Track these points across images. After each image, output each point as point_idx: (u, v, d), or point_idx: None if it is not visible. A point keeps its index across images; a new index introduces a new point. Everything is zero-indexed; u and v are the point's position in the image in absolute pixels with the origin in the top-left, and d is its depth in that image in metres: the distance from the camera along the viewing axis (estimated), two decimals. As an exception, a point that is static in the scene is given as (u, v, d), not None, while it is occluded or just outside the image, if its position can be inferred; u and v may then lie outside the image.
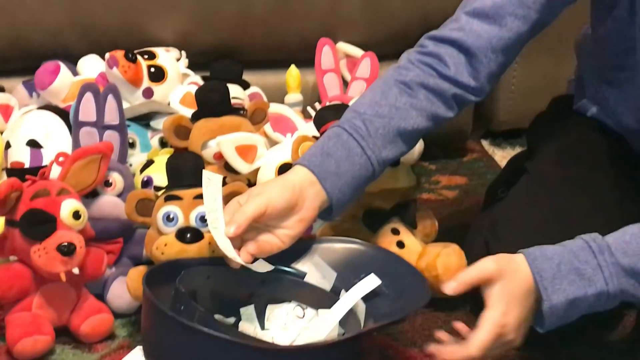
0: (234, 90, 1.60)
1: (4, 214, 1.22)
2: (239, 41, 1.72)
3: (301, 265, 1.22)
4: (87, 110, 1.40)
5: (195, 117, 1.47)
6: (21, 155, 1.45)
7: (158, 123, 1.57)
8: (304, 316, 1.22)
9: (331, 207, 1.20)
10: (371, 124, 1.22)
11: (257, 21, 1.71)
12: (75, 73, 1.61)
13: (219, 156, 1.43)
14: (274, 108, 1.52)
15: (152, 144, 1.57)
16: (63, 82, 1.55)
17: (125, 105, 1.50)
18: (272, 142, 1.50)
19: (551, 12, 1.25)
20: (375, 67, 1.69)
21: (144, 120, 1.59)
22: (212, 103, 1.47)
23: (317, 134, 1.40)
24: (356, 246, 1.25)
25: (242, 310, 1.23)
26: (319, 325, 1.18)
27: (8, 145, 1.47)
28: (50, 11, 1.63)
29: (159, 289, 1.10)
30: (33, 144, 1.46)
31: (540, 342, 1.15)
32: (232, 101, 1.51)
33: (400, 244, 1.35)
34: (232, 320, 1.22)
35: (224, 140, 1.41)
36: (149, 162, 1.47)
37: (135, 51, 1.58)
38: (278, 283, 1.21)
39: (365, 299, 1.16)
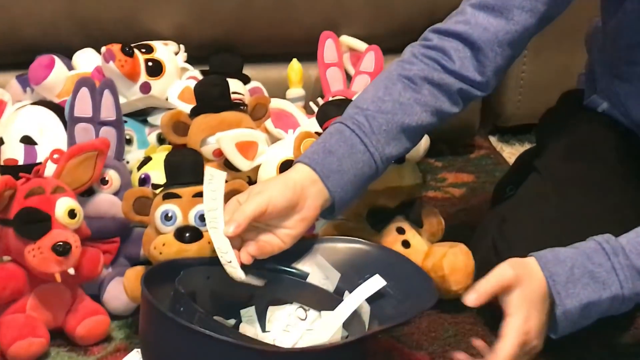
0: (234, 84, 1.59)
1: (-3, 213, 1.23)
2: (239, 34, 1.72)
3: (303, 266, 1.22)
4: (83, 105, 1.40)
5: (194, 113, 1.47)
6: (15, 152, 1.44)
7: (156, 119, 1.57)
8: (306, 318, 1.22)
9: (333, 205, 1.20)
10: (374, 120, 1.21)
11: (257, 13, 1.71)
12: (70, 67, 1.61)
13: (219, 153, 1.43)
14: (275, 103, 1.52)
15: (150, 141, 1.57)
16: (58, 76, 1.55)
17: (122, 100, 1.49)
18: (274, 139, 1.50)
19: (559, 5, 1.25)
20: (379, 60, 1.68)
21: (141, 116, 1.59)
22: (211, 98, 1.46)
23: (319, 130, 1.40)
24: (360, 246, 1.24)
25: (243, 311, 1.22)
26: (322, 328, 1.17)
27: (1, 142, 1.46)
28: (44, 3, 1.63)
29: (158, 289, 1.09)
30: (27, 141, 1.45)
31: (550, 344, 1.14)
32: (232, 96, 1.51)
33: (406, 244, 1.35)
34: (232, 321, 1.22)
35: (223, 137, 1.41)
36: (147, 159, 1.47)
37: (133, 45, 1.58)
38: (279, 284, 1.21)
39: (370, 300, 1.16)
